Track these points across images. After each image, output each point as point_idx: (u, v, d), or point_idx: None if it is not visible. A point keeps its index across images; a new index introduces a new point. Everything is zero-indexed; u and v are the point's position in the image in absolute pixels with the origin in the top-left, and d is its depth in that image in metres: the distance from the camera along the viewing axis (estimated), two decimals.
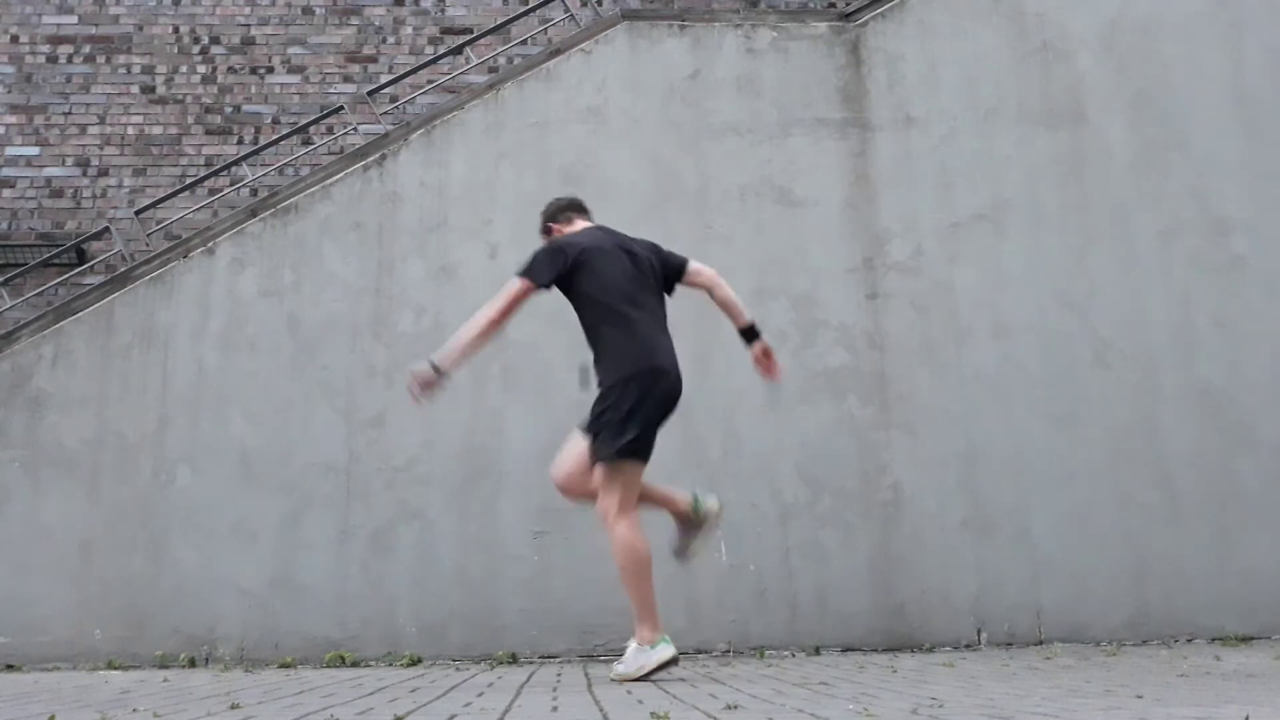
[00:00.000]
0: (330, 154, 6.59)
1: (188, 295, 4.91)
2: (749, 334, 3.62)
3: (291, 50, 7.10)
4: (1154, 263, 5.00)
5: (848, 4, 5.60)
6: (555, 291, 3.52)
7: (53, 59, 7.02)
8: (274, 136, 6.45)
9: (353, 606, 4.56)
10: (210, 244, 4.98)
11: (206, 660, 4.48)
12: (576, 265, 3.40)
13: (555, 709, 2.39)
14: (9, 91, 6.95)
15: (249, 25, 7.13)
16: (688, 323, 4.86)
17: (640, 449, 3.32)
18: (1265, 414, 4.82)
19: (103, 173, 6.84)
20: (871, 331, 4.92)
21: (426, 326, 4.87)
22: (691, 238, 5.00)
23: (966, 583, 4.63)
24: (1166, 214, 5.05)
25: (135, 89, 7.00)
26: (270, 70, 7.04)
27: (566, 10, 6.24)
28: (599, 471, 3.30)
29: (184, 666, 4.38)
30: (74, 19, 7.09)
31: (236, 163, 6.19)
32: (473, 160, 5.10)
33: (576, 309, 3.47)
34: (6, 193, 6.78)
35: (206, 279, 4.93)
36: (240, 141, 6.90)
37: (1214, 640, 4.52)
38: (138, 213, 6.04)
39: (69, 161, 6.85)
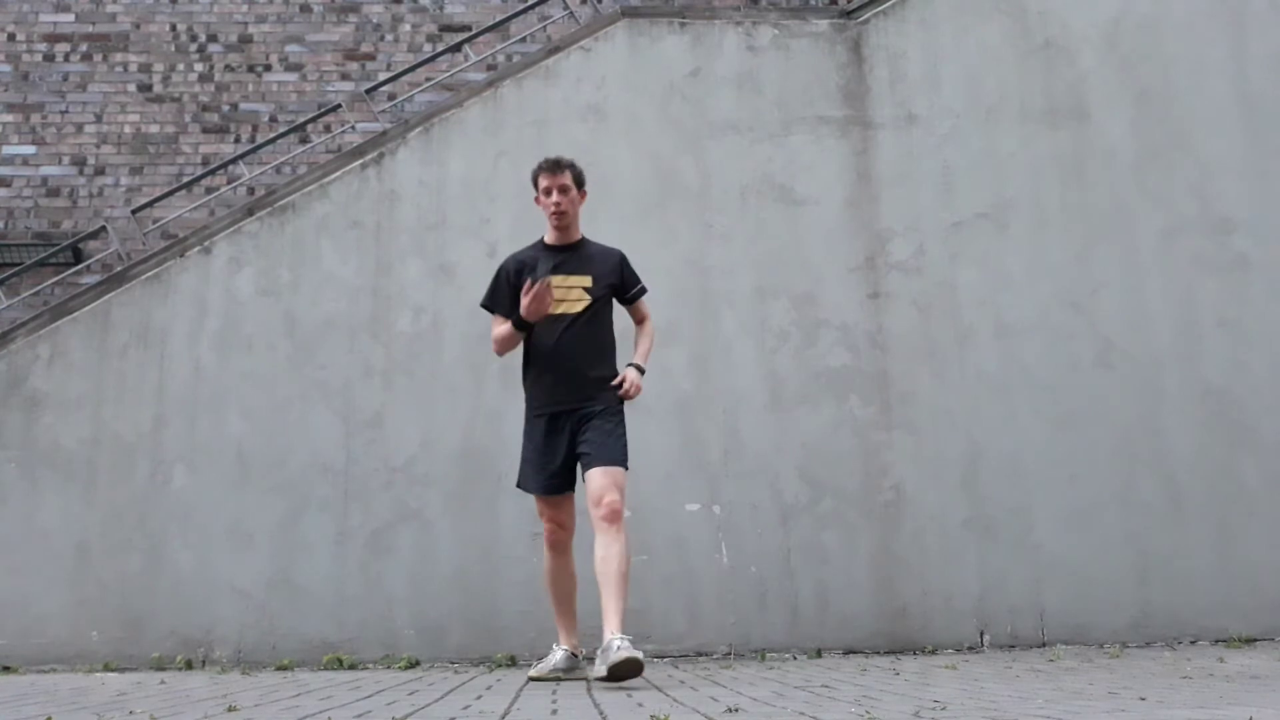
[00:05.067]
0: (328, 152, 6.56)
1: (184, 295, 4.88)
2: None
3: (289, 48, 7.07)
4: (1156, 262, 4.97)
5: (849, 1, 5.57)
6: None
7: (49, 57, 6.99)
8: (271, 135, 6.43)
9: (350, 608, 4.53)
10: (207, 243, 4.95)
11: (203, 662, 4.45)
12: None
13: (555, 712, 2.36)
14: (5, 90, 6.92)
15: (246, 23, 7.10)
16: (688, 323, 4.86)
17: None
18: (1268, 414, 4.80)
19: (99, 172, 6.81)
20: (873, 331, 4.90)
21: (425, 326, 4.85)
22: (691, 236, 4.98)
23: (969, 584, 4.61)
24: (1169, 213, 5.03)
25: (132, 87, 6.97)
26: (268, 68, 7.02)
27: (566, 7, 6.22)
28: (621, 475, 3.33)
29: (181, 668, 4.36)
30: (71, 17, 7.07)
31: (233, 161, 6.17)
32: (471, 158, 5.07)
33: (604, 315, 3.51)
34: (3, 192, 6.75)
35: (203, 278, 4.90)
36: (237, 140, 6.87)
37: (1218, 642, 4.50)
38: (134, 212, 6.02)
39: (65, 160, 6.83)
